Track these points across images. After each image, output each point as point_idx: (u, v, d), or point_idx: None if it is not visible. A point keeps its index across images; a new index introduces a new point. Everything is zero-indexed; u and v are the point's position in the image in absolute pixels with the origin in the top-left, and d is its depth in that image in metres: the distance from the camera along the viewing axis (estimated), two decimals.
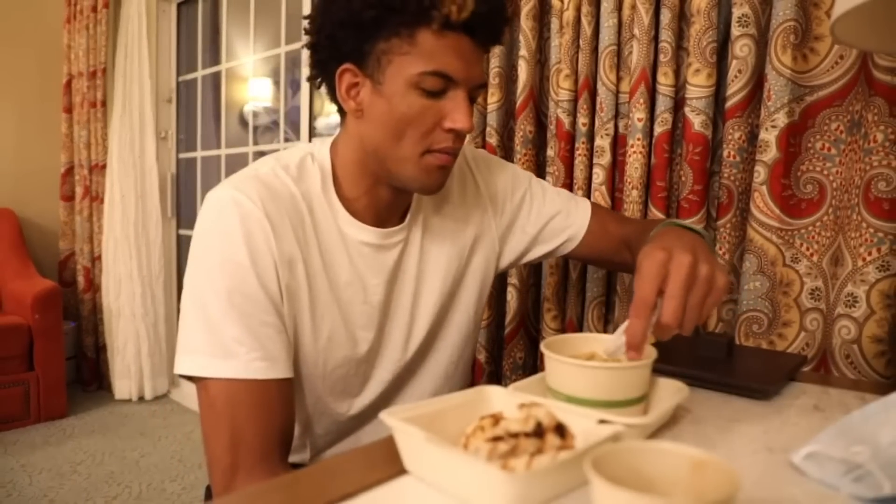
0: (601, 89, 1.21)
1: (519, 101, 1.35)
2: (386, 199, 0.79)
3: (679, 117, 1.14)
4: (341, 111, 0.77)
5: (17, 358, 2.52)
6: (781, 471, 0.48)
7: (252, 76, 2.90)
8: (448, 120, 0.70)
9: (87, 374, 3.06)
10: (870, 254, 0.90)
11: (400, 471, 0.47)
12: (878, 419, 0.48)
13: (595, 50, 1.23)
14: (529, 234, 0.94)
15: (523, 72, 1.34)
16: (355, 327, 0.79)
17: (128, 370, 2.91)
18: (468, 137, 1.28)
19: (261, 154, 2.40)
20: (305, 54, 0.77)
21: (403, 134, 0.71)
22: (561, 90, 1.27)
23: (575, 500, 0.42)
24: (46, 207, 3.16)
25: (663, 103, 1.11)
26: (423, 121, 0.70)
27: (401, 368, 0.85)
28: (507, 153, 1.43)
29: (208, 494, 0.88)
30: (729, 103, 1.04)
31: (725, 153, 1.05)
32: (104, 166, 2.95)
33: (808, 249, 0.99)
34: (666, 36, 1.10)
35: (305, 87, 2.44)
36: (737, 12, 1.02)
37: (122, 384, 2.93)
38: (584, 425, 0.48)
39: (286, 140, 2.68)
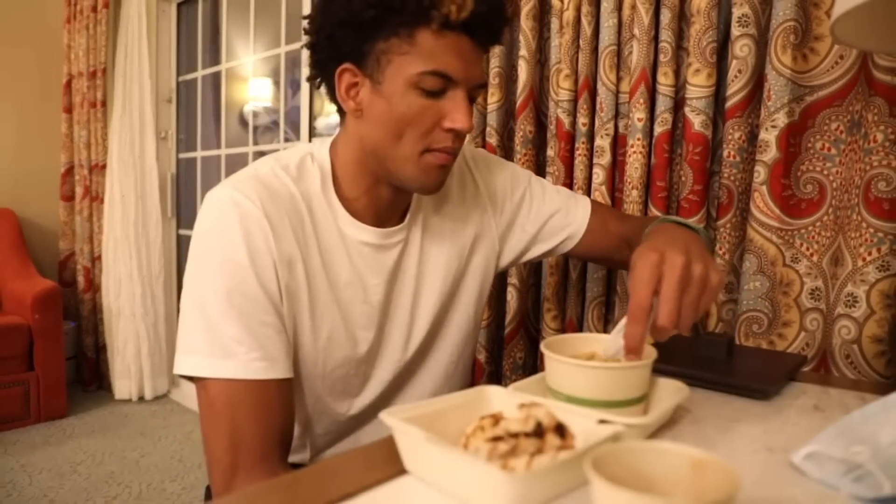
0: (601, 89, 1.21)
1: (519, 101, 1.35)
2: (386, 198, 0.79)
3: (679, 117, 1.14)
4: (341, 111, 0.77)
5: (17, 358, 2.52)
6: (781, 471, 0.48)
7: (252, 76, 2.90)
8: (447, 120, 0.70)
9: (87, 374, 3.06)
10: (870, 254, 0.90)
11: (400, 471, 0.47)
12: (878, 419, 0.48)
13: (595, 50, 1.23)
14: (529, 233, 0.94)
15: (523, 72, 1.34)
16: (355, 327, 0.79)
17: (128, 370, 2.91)
18: (468, 137, 1.28)
19: (261, 154, 2.40)
20: (305, 54, 0.77)
21: (403, 134, 0.71)
22: (561, 90, 1.27)
23: (575, 500, 0.42)
24: (46, 207, 3.16)
25: (663, 103, 1.11)
26: (423, 120, 0.70)
27: (401, 368, 0.85)
28: (507, 153, 1.43)
29: (208, 494, 0.88)
30: (729, 103, 1.04)
31: (725, 153, 1.05)
32: (104, 166, 2.95)
33: (808, 249, 0.99)
34: (666, 36, 1.10)
35: (305, 87, 2.44)
36: (737, 12, 1.02)
37: (122, 384, 2.93)
38: (584, 425, 0.48)
39: (286, 140, 2.68)
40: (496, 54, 1.38)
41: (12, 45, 3.09)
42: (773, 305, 1.01)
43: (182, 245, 3.13)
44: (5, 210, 2.99)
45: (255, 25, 2.73)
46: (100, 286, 2.99)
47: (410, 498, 0.44)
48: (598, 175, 1.22)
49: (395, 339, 0.83)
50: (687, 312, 0.57)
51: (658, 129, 1.12)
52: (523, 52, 1.34)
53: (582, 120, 1.24)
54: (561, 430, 0.45)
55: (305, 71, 0.79)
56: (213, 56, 2.99)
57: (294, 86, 2.62)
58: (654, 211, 1.14)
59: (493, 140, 1.41)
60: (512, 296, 1.39)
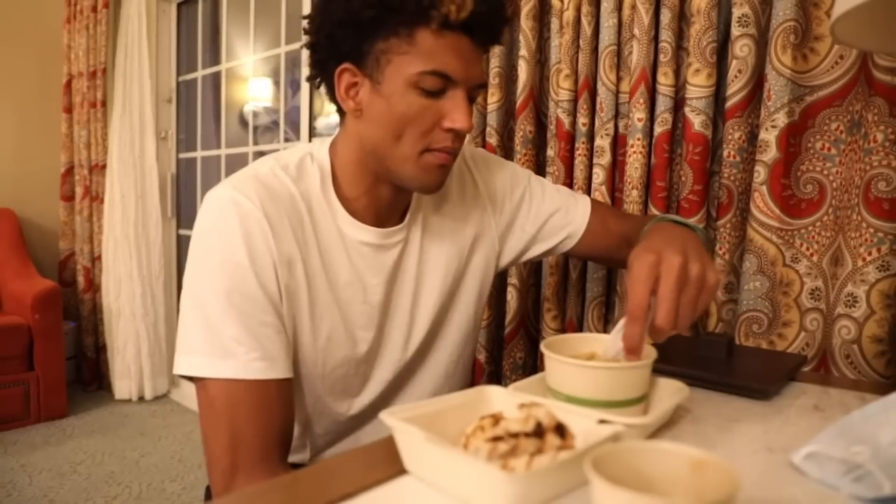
0: (601, 89, 1.21)
1: (519, 101, 1.35)
2: (386, 198, 0.79)
3: (679, 117, 1.14)
4: (340, 111, 0.77)
5: (17, 358, 2.52)
6: (781, 471, 0.48)
7: (252, 76, 2.90)
8: (447, 120, 0.70)
9: (87, 374, 3.06)
10: (870, 254, 0.90)
11: (400, 471, 0.47)
12: (878, 419, 0.48)
13: (595, 50, 1.23)
14: (529, 233, 0.94)
15: (523, 72, 1.34)
16: (355, 327, 0.79)
17: (128, 370, 2.91)
18: (468, 137, 1.28)
19: (261, 154, 2.40)
20: (305, 54, 0.77)
21: (402, 133, 0.71)
22: (561, 90, 1.27)
23: (575, 500, 0.42)
24: (46, 207, 3.16)
25: (663, 103, 1.11)
26: (422, 120, 0.70)
27: (401, 368, 0.85)
28: (507, 153, 1.43)
29: (208, 494, 0.88)
30: (729, 103, 1.04)
31: (725, 153, 1.05)
32: (104, 166, 2.95)
33: (808, 249, 0.99)
34: (666, 36, 1.10)
35: (305, 87, 2.44)
36: (737, 12, 1.02)
37: (122, 384, 2.93)
38: (584, 425, 0.48)
39: (286, 140, 2.68)
40: (496, 54, 1.38)
41: (12, 45, 3.09)
42: (773, 305, 1.01)
43: (182, 245, 3.13)
44: (5, 210, 2.99)
45: (255, 25, 2.73)
46: (100, 286, 2.99)
47: (410, 498, 0.44)
48: (598, 175, 1.22)
49: (394, 338, 0.83)
50: (685, 312, 0.57)
51: (658, 129, 1.12)
52: (523, 52, 1.34)
53: (582, 120, 1.24)
54: (561, 430, 0.45)
55: (305, 71, 0.79)
56: (213, 56, 2.99)
57: (294, 86, 2.62)
58: (654, 211, 1.14)
59: (493, 140, 1.41)
60: (512, 296, 1.39)
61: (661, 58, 1.11)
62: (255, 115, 2.93)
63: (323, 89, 0.77)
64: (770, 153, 0.99)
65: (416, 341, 0.85)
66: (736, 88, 1.03)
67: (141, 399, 2.94)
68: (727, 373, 0.71)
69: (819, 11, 0.97)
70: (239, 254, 0.68)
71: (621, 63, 1.20)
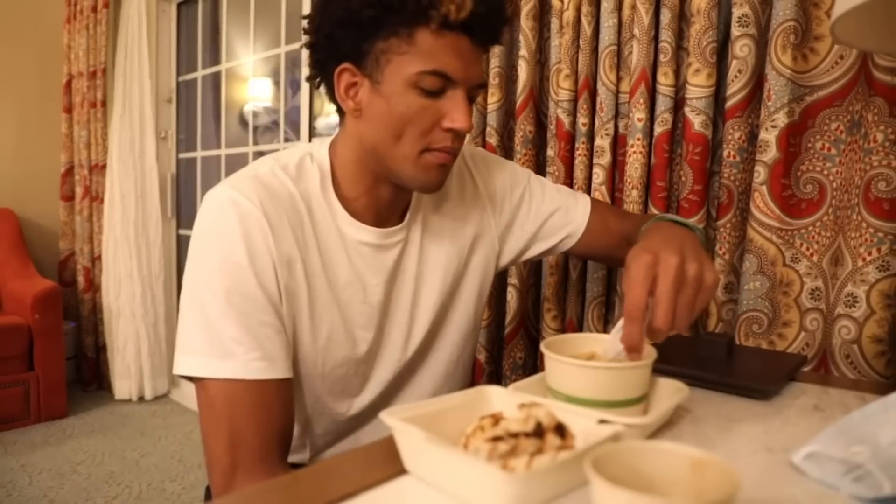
0: (601, 89, 1.21)
1: (519, 101, 1.35)
2: (386, 198, 0.79)
3: (679, 117, 1.14)
4: (340, 111, 0.77)
5: (17, 358, 2.52)
6: (781, 471, 0.48)
7: (252, 76, 2.90)
8: (447, 119, 0.70)
9: (87, 374, 3.06)
10: (870, 254, 0.90)
11: (400, 471, 0.47)
12: (878, 419, 0.48)
13: (595, 50, 1.23)
14: (529, 232, 0.94)
15: (523, 72, 1.34)
16: (354, 327, 0.79)
17: (128, 370, 2.91)
18: (468, 137, 1.28)
19: (261, 154, 2.40)
20: (305, 54, 0.77)
21: (402, 133, 0.70)
22: (561, 90, 1.27)
23: (575, 500, 0.42)
24: (46, 207, 3.16)
25: (663, 103, 1.11)
26: (422, 120, 0.70)
27: (400, 368, 0.85)
28: (507, 153, 1.43)
29: (208, 494, 0.88)
30: (729, 103, 1.04)
31: (725, 153, 1.05)
32: (104, 166, 2.95)
33: (808, 249, 0.99)
34: (666, 36, 1.10)
35: (305, 87, 2.44)
36: (737, 12, 1.02)
37: (122, 384, 2.93)
38: (584, 425, 0.48)
39: (286, 140, 2.68)
40: (496, 54, 1.38)
41: (12, 45, 3.09)
42: (773, 305, 1.01)
43: (182, 245, 3.13)
44: (5, 210, 2.99)
45: (255, 25, 2.73)
46: (100, 286, 2.99)
47: (410, 498, 0.44)
48: (598, 175, 1.22)
49: (394, 338, 0.83)
50: (682, 313, 0.57)
51: (658, 129, 1.12)
52: (523, 52, 1.34)
53: (582, 120, 1.24)
54: (561, 430, 0.45)
55: (305, 71, 0.79)
56: (213, 56, 2.99)
57: (294, 86, 2.62)
58: (655, 211, 1.14)
59: (493, 140, 1.41)
60: (512, 296, 1.39)
61: (661, 58, 1.11)
62: (255, 115, 2.93)
63: (323, 89, 0.77)
64: (770, 153, 0.99)
65: (415, 341, 0.85)
66: (736, 88, 1.03)
67: (141, 399, 2.94)
68: (727, 373, 0.71)
69: (819, 11, 0.97)
70: (238, 254, 0.68)
71: (621, 63, 1.20)
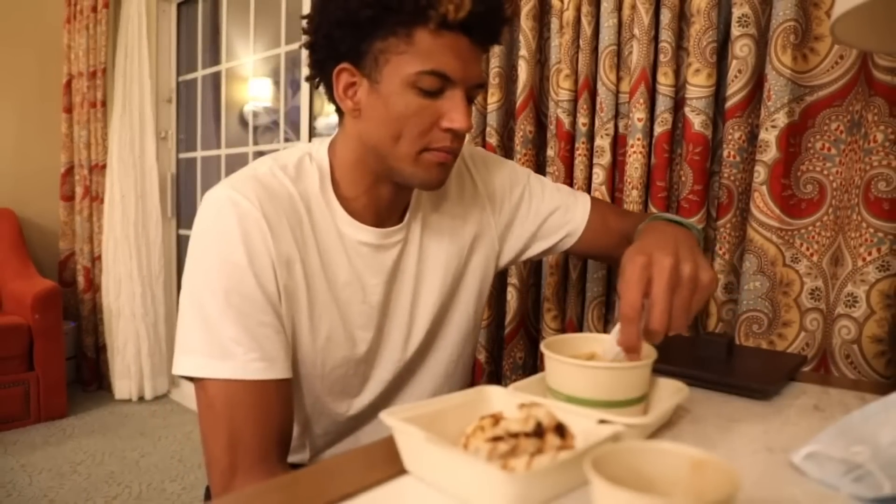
0: (601, 89, 1.21)
1: (519, 101, 1.35)
2: (386, 197, 0.79)
3: (679, 117, 1.14)
4: (339, 111, 0.77)
5: (17, 358, 2.52)
6: (781, 471, 0.48)
7: (252, 76, 2.90)
8: (446, 119, 0.70)
9: (87, 374, 3.06)
10: (870, 254, 0.90)
11: (400, 471, 0.47)
12: (878, 419, 0.48)
13: (595, 50, 1.23)
14: (528, 231, 0.94)
15: (523, 72, 1.34)
16: (354, 327, 0.79)
17: (128, 370, 2.91)
18: (468, 137, 1.28)
19: (261, 154, 2.39)
20: (305, 54, 0.77)
21: (401, 133, 0.70)
22: (561, 90, 1.27)
23: (575, 500, 0.42)
24: (46, 207, 3.16)
25: (663, 103, 1.11)
26: (421, 120, 0.70)
27: (400, 368, 0.84)
28: (507, 153, 1.43)
29: (208, 494, 0.88)
30: (729, 103, 1.04)
31: (725, 153, 1.05)
32: (104, 166, 2.95)
33: (808, 249, 0.99)
34: (666, 36, 1.10)
35: (305, 87, 2.44)
36: (737, 12, 1.02)
37: (122, 384, 2.93)
38: (584, 425, 0.48)
39: (286, 140, 2.68)
40: (496, 54, 1.38)
41: (12, 45, 3.09)
42: (773, 305, 1.01)
43: (182, 245, 3.13)
44: (5, 210, 2.99)
45: (255, 25, 2.73)
46: (100, 286, 2.99)
47: (410, 498, 0.44)
48: (598, 175, 1.22)
49: (394, 338, 0.83)
50: (679, 314, 0.57)
51: (658, 129, 1.12)
52: (523, 52, 1.34)
53: (582, 120, 1.24)
54: (561, 430, 0.45)
55: (305, 71, 0.79)
56: (213, 56, 2.99)
57: (294, 86, 2.62)
58: (654, 211, 1.14)
59: (493, 140, 1.41)
60: (512, 296, 1.39)
61: (661, 58, 1.11)
62: (255, 115, 2.93)
63: (322, 89, 0.77)
64: (770, 153, 0.99)
65: (415, 341, 0.85)
66: (736, 88, 1.03)
67: (141, 399, 2.94)
68: (727, 373, 0.71)
69: (819, 11, 0.97)
70: (237, 254, 0.68)
71: (621, 63, 1.20)
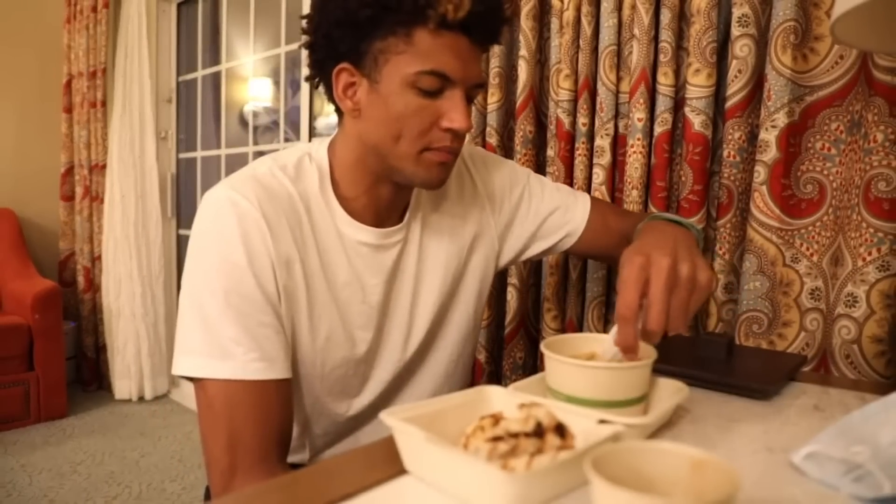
0: (601, 89, 1.21)
1: (519, 101, 1.35)
2: (386, 197, 0.79)
3: (679, 117, 1.14)
4: (339, 111, 0.77)
5: (17, 358, 2.52)
6: (781, 471, 0.48)
7: (252, 76, 2.90)
8: (445, 119, 0.70)
9: (87, 374, 3.06)
10: (870, 254, 0.90)
11: (400, 471, 0.47)
12: (878, 419, 0.48)
13: (595, 50, 1.23)
14: (528, 231, 0.94)
15: (523, 72, 1.34)
16: (354, 327, 0.79)
17: (128, 370, 2.91)
18: (468, 137, 1.28)
19: (261, 154, 2.39)
20: (305, 54, 0.77)
21: (400, 133, 0.70)
22: (561, 90, 1.27)
23: (575, 500, 0.42)
24: (46, 207, 3.16)
25: (663, 103, 1.11)
26: (420, 120, 0.70)
27: (400, 368, 0.84)
28: (507, 153, 1.43)
29: (208, 495, 0.88)
30: (729, 103, 1.04)
31: (725, 153, 1.05)
32: (104, 166, 2.95)
33: (808, 249, 0.99)
34: (666, 36, 1.10)
35: (305, 87, 2.44)
36: (737, 12, 1.02)
37: (122, 384, 2.93)
38: (584, 425, 0.48)
39: (286, 140, 2.68)
40: (496, 54, 1.38)
41: (12, 45, 3.09)
42: (773, 305, 1.01)
43: (182, 245, 3.13)
44: (5, 210, 2.99)
45: (255, 25, 2.73)
46: (100, 286, 2.99)
47: (410, 498, 0.44)
48: (598, 175, 1.22)
49: (394, 339, 0.83)
50: (676, 314, 0.56)
51: (658, 129, 1.12)
52: (523, 52, 1.34)
53: (582, 120, 1.24)
54: (561, 430, 0.45)
55: (305, 71, 0.79)
56: (213, 56, 2.99)
57: (294, 86, 2.62)
58: (654, 211, 1.14)
59: (493, 140, 1.41)
60: (512, 296, 1.39)
61: (661, 58, 1.11)
62: (255, 115, 2.93)
63: (322, 89, 0.77)
64: (770, 153, 0.99)
65: (415, 341, 0.85)
66: (736, 88, 1.03)
67: (141, 399, 2.94)
68: (727, 373, 0.71)
69: (819, 11, 0.97)
70: (237, 254, 0.68)
71: (621, 63, 1.20)
